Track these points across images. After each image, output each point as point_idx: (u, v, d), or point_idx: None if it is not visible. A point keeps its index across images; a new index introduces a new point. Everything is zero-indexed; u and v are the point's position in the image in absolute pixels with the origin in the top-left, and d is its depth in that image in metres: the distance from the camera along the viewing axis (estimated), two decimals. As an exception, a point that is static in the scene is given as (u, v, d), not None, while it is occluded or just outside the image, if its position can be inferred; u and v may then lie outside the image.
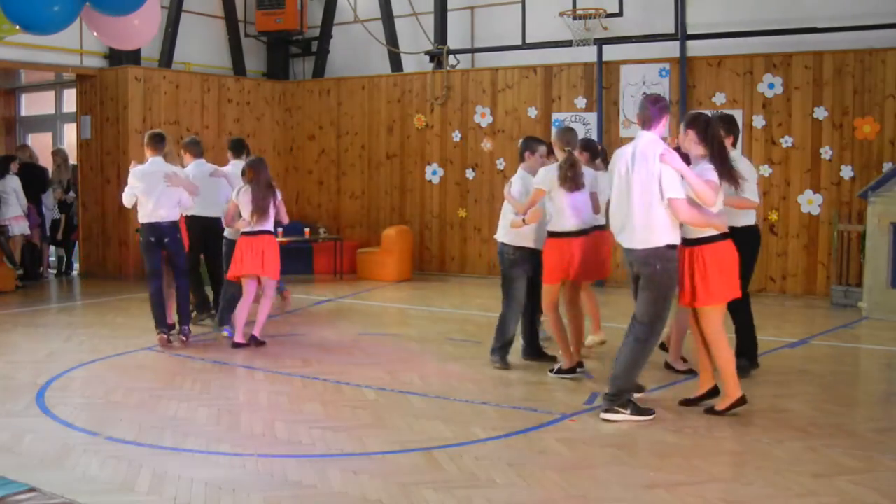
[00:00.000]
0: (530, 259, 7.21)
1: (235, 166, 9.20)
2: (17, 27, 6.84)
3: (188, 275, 8.66)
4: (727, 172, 5.82)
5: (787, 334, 8.97)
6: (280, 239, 13.07)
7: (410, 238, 13.63)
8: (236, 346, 8.18)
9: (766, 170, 11.64)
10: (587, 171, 7.03)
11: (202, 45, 14.84)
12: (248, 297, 8.32)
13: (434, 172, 13.94)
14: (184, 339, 8.42)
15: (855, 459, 5.09)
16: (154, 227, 8.29)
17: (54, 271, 14.00)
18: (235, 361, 7.74)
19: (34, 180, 13.06)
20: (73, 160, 14.25)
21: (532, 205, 6.94)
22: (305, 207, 15.12)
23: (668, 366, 7.22)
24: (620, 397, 5.86)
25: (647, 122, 5.81)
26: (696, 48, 12.09)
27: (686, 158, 5.84)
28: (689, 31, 11.96)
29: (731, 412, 5.93)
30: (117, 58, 13.36)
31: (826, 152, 11.38)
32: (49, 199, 13.61)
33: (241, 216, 8.26)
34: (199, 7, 14.64)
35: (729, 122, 6.88)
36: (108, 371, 7.42)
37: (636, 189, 5.68)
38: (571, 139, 6.94)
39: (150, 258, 8.42)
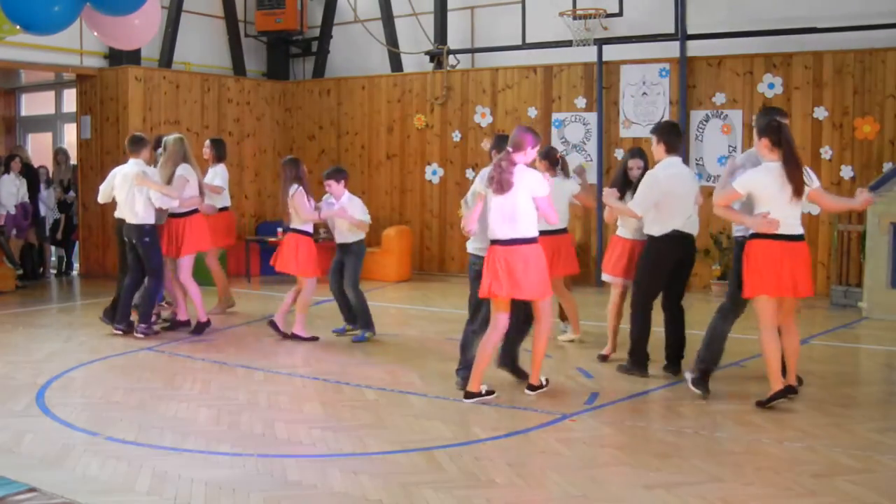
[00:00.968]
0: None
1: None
2: (18, 27, 6.85)
3: (157, 276, 8.73)
4: (797, 178, 5.90)
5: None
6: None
7: (410, 238, 13.63)
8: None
9: (766, 170, 11.65)
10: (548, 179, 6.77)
11: (202, 45, 14.84)
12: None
13: (434, 172, 13.94)
14: (139, 336, 8.64)
15: (855, 459, 5.09)
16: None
17: (54, 271, 14.00)
18: (235, 361, 7.74)
19: (29, 181, 13.02)
20: (73, 160, 14.25)
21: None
22: (305, 207, 15.11)
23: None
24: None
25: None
26: (696, 48, 12.08)
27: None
28: (689, 31, 11.95)
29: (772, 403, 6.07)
30: (117, 58, 13.36)
31: (826, 152, 11.38)
32: (51, 199, 13.61)
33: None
34: (199, 7, 14.64)
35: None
36: (108, 371, 7.43)
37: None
38: (502, 146, 6.53)
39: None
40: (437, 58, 13.98)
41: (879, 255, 9.92)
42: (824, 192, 6.37)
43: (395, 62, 14.62)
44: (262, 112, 15.08)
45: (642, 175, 7.12)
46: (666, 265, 6.94)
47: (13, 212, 12.35)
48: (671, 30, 11.83)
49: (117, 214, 8.81)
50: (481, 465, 5.00)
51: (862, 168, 11.18)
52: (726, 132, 11.85)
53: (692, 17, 11.99)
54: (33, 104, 16.48)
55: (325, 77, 15.43)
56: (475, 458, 5.12)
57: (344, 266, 8.62)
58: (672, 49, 12.12)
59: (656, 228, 6.88)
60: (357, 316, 8.71)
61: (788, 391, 6.11)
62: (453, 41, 14.02)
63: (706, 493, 4.54)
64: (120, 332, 8.76)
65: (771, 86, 11.68)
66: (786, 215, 5.92)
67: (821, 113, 11.39)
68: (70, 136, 15.14)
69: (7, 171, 12.53)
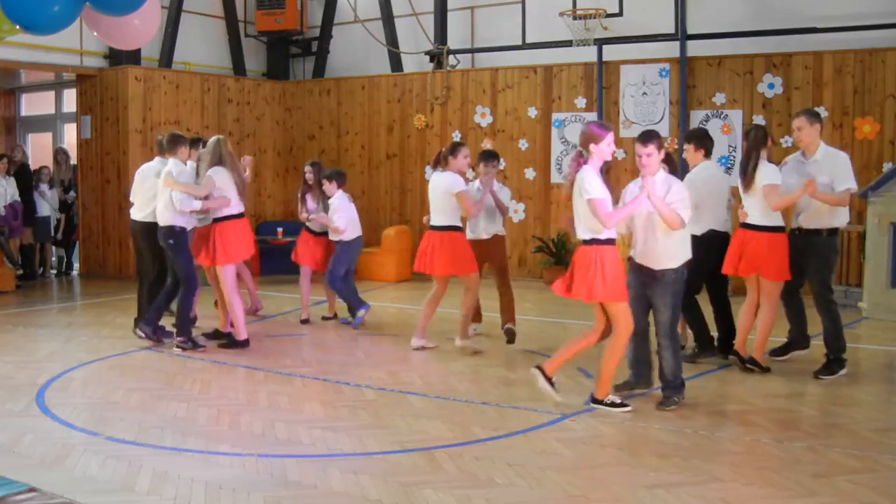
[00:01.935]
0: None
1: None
2: (18, 27, 6.84)
3: (186, 283, 8.14)
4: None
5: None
6: (280, 239, 13.15)
7: (410, 238, 13.61)
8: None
9: (766, 170, 11.67)
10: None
11: (202, 45, 14.84)
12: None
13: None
14: (177, 351, 8.09)
15: (855, 459, 5.09)
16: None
17: (54, 271, 14.00)
18: (235, 361, 7.74)
19: (22, 182, 12.99)
20: (73, 160, 14.24)
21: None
22: (305, 207, 15.10)
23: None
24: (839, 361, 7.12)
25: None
26: (696, 48, 12.08)
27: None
28: (689, 31, 11.95)
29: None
30: (117, 58, 13.36)
31: (826, 152, 11.37)
32: (53, 199, 13.60)
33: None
34: (199, 7, 14.64)
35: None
36: (108, 371, 7.43)
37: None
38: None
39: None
40: (437, 58, 13.98)
41: (879, 255, 9.91)
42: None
43: (395, 62, 14.62)
44: (262, 112, 15.08)
45: None
46: (706, 263, 7.23)
47: (2, 212, 12.27)
48: (671, 30, 11.82)
49: (133, 216, 8.54)
50: (481, 465, 5.00)
51: (862, 168, 11.15)
52: (726, 132, 11.84)
53: (692, 17, 11.99)
54: (33, 104, 16.48)
55: (325, 77, 15.43)
56: (475, 458, 5.12)
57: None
58: (672, 49, 12.12)
59: (696, 228, 7.08)
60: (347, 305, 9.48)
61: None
62: (453, 41, 14.02)
63: (706, 493, 4.55)
64: (142, 337, 8.32)
65: (771, 86, 11.68)
66: None
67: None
68: (70, 137, 15.14)
69: None
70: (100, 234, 13.54)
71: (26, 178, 13.16)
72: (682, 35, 11.89)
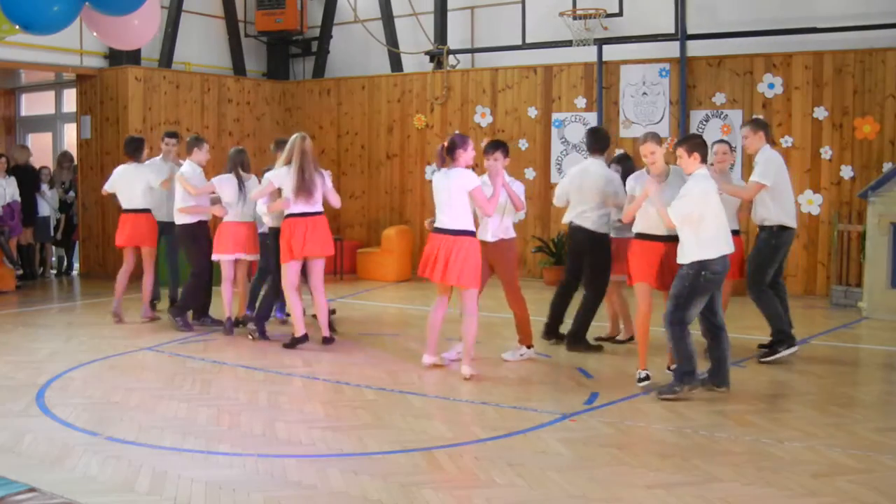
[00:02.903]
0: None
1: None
2: (17, 27, 6.84)
3: (196, 275, 9.15)
4: None
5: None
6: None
7: (410, 238, 13.62)
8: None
9: (766, 170, 11.68)
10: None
11: (202, 45, 14.85)
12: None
13: (434, 172, 13.92)
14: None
15: (855, 459, 5.09)
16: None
17: (54, 271, 14.00)
18: (235, 361, 7.74)
19: (26, 182, 12.99)
20: (74, 161, 14.23)
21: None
22: (305, 207, 15.10)
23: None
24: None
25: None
26: (696, 48, 12.09)
27: None
28: (689, 31, 11.96)
29: None
30: (117, 58, 13.36)
31: (826, 152, 11.38)
32: (54, 200, 13.59)
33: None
34: (199, 7, 14.64)
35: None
36: (108, 371, 7.43)
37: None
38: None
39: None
40: (437, 58, 13.98)
41: (879, 255, 9.91)
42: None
43: (395, 62, 14.62)
44: (262, 112, 15.08)
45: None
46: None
47: (1, 212, 12.28)
48: (671, 30, 11.83)
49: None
50: (481, 465, 5.00)
51: (862, 168, 11.18)
52: (726, 132, 11.84)
53: (692, 17, 12.00)
54: (33, 104, 16.48)
55: (325, 77, 15.43)
56: (475, 458, 5.12)
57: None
58: (672, 49, 12.13)
59: None
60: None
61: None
62: (453, 41, 14.02)
63: (706, 493, 4.55)
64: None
65: (771, 86, 11.68)
66: None
67: (821, 113, 11.39)
68: (70, 137, 15.14)
69: None
70: (100, 234, 13.54)
71: (31, 178, 13.16)
72: (682, 35, 11.90)
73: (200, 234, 9.09)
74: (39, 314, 10.32)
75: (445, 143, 7.20)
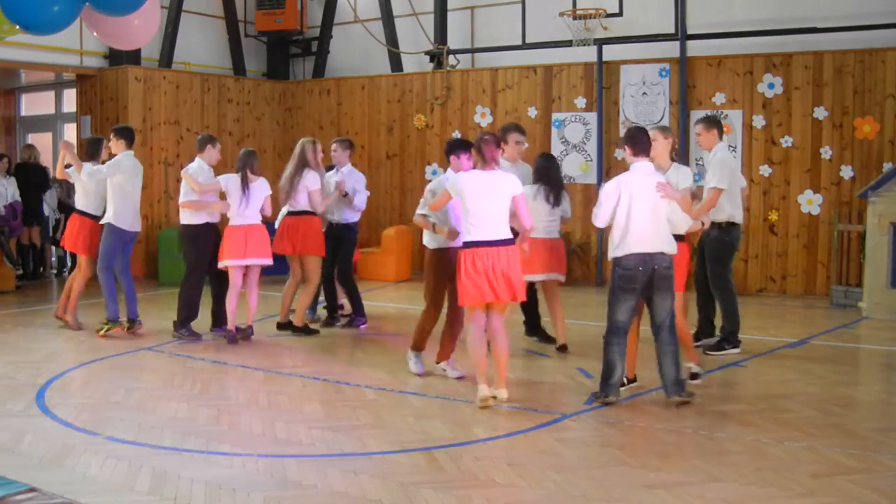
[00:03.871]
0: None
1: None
2: (17, 27, 6.84)
3: (191, 274, 8.76)
4: None
5: (786, 334, 8.97)
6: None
7: (410, 238, 13.62)
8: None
9: (766, 170, 11.68)
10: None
11: (202, 45, 14.85)
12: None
13: (434, 172, 13.92)
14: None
15: (855, 459, 5.09)
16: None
17: (54, 271, 13.99)
18: (235, 361, 7.74)
19: (34, 181, 13.00)
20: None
21: None
22: (305, 207, 15.10)
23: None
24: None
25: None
26: (696, 48, 12.09)
27: None
28: (689, 31, 11.96)
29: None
30: (117, 58, 13.36)
31: (826, 152, 11.38)
32: (53, 200, 13.59)
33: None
34: (199, 7, 14.64)
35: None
36: (108, 371, 7.43)
37: None
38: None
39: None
40: (437, 58, 13.98)
41: (879, 255, 9.91)
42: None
43: (395, 62, 14.62)
44: (262, 112, 15.08)
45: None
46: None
47: (2, 212, 12.25)
48: (671, 30, 11.83)
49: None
50: (481, 465, 5.00)
51: (862, 168, 11.18)
52: (726, 132, 11.83)
53: (692, 17, 12.00)
54: (33, 104, 16.47)
55: (325, 77, 15.43)
56: (475, 458, 5.12)
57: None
58: (672, 49, 12.12)
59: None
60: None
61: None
62: (453, 41, 14.02)
63: (706, 493, 4.55)
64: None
65: (771, 86, 11.68)
66: None
67: (821, 113, 11.39)
68: (70, 137, 15.10)
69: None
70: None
71: (39, 177, 13.15)
72: (682, 35, 11.90)
73: (202, 237, 8.65)
74: (39, 314, 10.31)
75: (486, 136, 6.39)
